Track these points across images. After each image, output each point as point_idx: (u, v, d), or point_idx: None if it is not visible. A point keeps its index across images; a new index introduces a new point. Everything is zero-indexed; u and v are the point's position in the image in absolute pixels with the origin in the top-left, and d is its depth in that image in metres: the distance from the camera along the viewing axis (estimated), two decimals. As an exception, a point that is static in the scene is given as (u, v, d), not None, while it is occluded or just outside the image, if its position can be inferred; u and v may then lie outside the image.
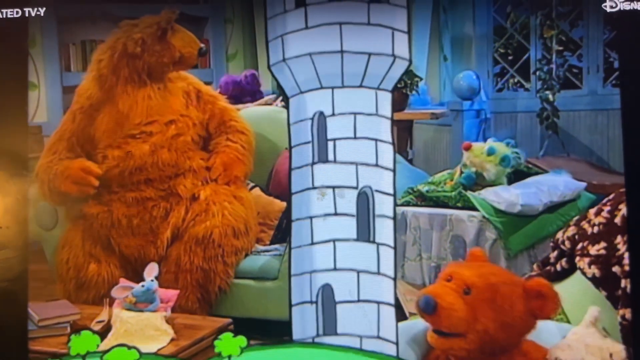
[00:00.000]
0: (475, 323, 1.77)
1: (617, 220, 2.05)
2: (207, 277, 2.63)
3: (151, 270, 2.28)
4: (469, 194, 2.92)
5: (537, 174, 3.12)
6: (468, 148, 3.05)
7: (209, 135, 2.84)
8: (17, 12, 2.09)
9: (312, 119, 1.93)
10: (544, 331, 1.89)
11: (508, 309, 1.78)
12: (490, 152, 2.98)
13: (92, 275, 2.65)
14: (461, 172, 3.07)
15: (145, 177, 2.68)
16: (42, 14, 2.10)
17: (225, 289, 2.66)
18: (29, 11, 2.10)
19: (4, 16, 2.08)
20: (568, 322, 2.09)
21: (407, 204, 3.03)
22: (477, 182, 3.00)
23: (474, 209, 2.88)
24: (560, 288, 2.08)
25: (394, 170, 1.92)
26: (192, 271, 2.62)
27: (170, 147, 2.70)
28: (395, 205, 1.93)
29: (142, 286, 2.24)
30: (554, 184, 2.94)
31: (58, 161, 2.73)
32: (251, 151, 2.87)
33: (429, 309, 1.78)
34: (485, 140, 3.19)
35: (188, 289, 2.59)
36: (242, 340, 1.82)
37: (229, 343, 1.82)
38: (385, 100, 1.92)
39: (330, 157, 1.92)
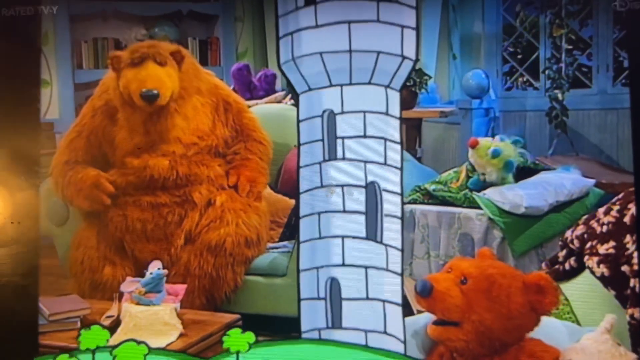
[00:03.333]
0: (471, 312, 1.79)
1: (627, 219, 2.05)
2: (215, 284, 2.63)
3: (155, 266, 2.29)
4: (474, 194, 2.91)
5: (544, 170, 3.11)
6: (474, 145, 2.97)
7: (228, 146, 2.82)
8: (30, 10, 2.10)
9: (322, 116, 1.93)
10: (552, 329, 1.88)
11: (504, 300, 1.79)
12: (495, 154, 2.92)
13: (107, 278, 2.64)
14: (467, 173, 3.05)
15: (162, 184, 2.67)
16: (54, 12, 2.11)
17: (230, 296, 2.67)
18: (41, 9, 2.11)
19: (17, 14, 2.09)
20: (577, 321, 2.09)
21: (414, 201, 3.03)
22: (484, 185, 2.97)
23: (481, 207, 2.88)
24: (569, 287, 2.09)
25: (401, 170, 1.92)
26: (201, 277, 2.61)
27: (190, 162, 2.68)
28: (403, 204, 1.93)
29: (150, 273, 2.25)
30: (561, 183, 2.91)
31: (74, 164, 2.73)
32: (269, 163, 2.86)
33: (424, 291, 1.82)
34: (494, 137, 3.12)
35: (194, 293, 2.59)
36: (250, 336, 1.83)
37: (238, 339, 1.83)
38: (394, 99, 1.92)
39: (340, 155, 1.92)
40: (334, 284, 1.91)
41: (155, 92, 2.58)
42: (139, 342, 1.87)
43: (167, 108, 2.65)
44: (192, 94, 2.74)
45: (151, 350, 1.87)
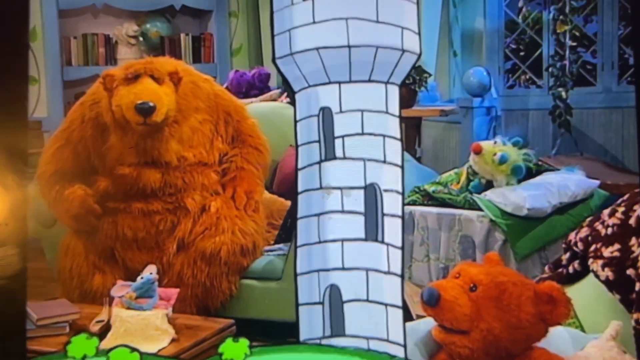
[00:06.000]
0: (479, 321, 1.73)
1: (632, 221, 2.01)
2: (208, 293, 2.57)
3: (148, 271, 2.24)
4: (475, 197, 2.87)
5: (547, 171, 3.07)
6: (479, 152, 2.88)
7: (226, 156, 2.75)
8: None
9: (319, 115, 1.88)
10: (555, 337, 1.84)
11: (514, 309, 1.73)
12: (503, 160, 2.85)
13: (97, 288, 2.58)
14: (468, 176, 2.99)
15: (152, 191, 2.59)
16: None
17: (225, 304, 2.61)
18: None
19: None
20: (580, 326, 2.05)
21: (414, 203, 2.98)
22: (485, 189, 2.92)
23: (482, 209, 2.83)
24: (573, 291, 2.04)
25: (402, 168, 1.88)
26: (194, 286, 2.55)
27: (184, 173, 2.61)
28: (404, 204, 1.88)
29: (142, 278, 2.20)
30: (565, 184, 2.88)
31: (61, 176, 2.65)
32: (266, 171, 2.80)
33: (432, 300, 1.75)
34: (495, 138, 3.05)
35: (186, 302, 2.52)
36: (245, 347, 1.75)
37: (232, 348, 1.76)
38: (394, 96, 1.88)
39: (338, 154, 1.88)
40: (333, 289, 1.86)
41: (152, 104, 2.43)
42: (132, 349, 1.80)
43: (162, 133, 2.55)
44: (190, 116, 2.65)
45: (142, 356, 1.81)
